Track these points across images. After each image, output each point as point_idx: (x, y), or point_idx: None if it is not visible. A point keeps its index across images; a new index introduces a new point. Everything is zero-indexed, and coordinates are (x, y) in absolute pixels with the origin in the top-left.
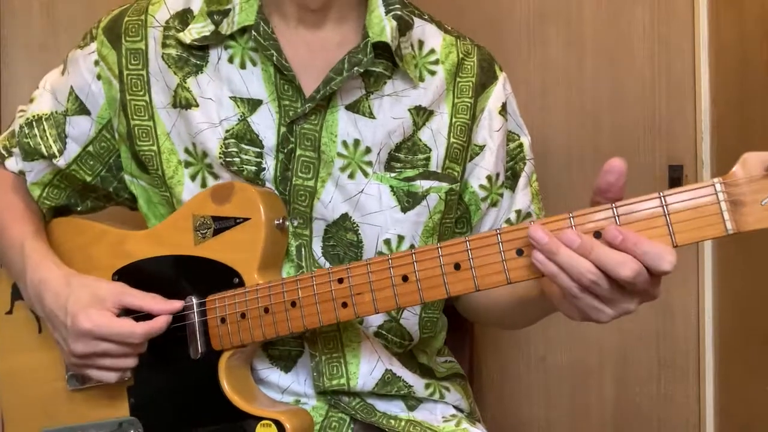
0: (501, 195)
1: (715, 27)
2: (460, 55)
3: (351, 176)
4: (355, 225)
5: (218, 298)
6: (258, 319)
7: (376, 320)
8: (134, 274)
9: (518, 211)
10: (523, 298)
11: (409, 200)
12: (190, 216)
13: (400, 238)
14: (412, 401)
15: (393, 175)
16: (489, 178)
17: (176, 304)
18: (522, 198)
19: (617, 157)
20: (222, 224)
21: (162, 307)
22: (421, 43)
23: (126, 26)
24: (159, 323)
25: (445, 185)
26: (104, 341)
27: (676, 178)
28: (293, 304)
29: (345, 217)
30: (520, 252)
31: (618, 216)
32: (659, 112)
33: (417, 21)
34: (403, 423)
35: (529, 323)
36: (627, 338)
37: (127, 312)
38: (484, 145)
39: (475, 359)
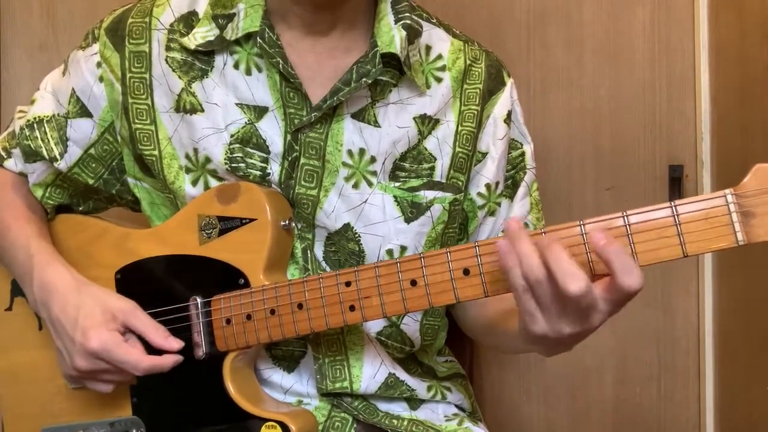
0: (499, 204)
1: (715, 27)
2: (468, 62)
3: (355, 186)
4: (357, 235)
5: (224, 299)
6: (264, 320)
7: (375, 326)
8: (137, 273)
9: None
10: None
11: (413, 211)
12: (195, 216)
13: (403, 249)
14: (414, 402)
15: (397, 184)
16: (488, 186)
17: (176, 344)
18: (519, 208)
19: None
20: (228, 224)
21: (162, 342)
22: (428, 48)
23: (130, 28)
24: (166, 362)
25: (449, 196)
26: (108, 363)
27: (676, 178)
28: (300, 306)
29: (347, 227)
30: None
31: (629, 225)
32: (659, 112)
33: (425, 25)
34: (405, 422)
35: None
36: (627, 338)
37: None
38: (486, 153)
39: (476, 359)
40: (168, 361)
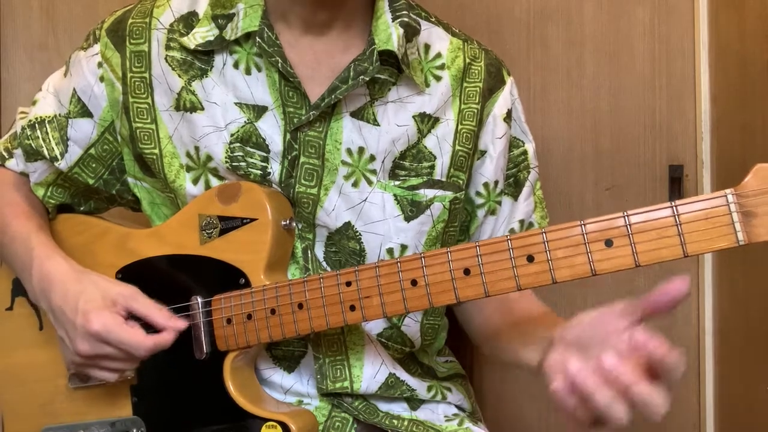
0: (499, 203)
1: (715, 27)
2: (467, 60)
3: (355, 184)
4: (357, 234)
5: (224, 298)
6: (264, 320)
7: (376, 327)
8: (138, 273)
9: (521, 221)
10: (520, 361)
11: (412, 209)
12: (195, 215)
13: (403, 247)
14: (414, 402)
15: (397, 183)
16: (486, 185)
17: (180, 323)
18: (524, 208)
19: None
20: (228, 224)
21: (166, 322)
22: (427, 47)
23: (130, 28)
24: (165, 338)
25: (449, 194)
26: (110, 346)
27: (676, 178)
28: (300, 306)
29: (348, 225)
30: (530, 258)
31: (630, 225)
32: (659, 112)
33: (424, 24)
34: (405, 423)
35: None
36: None
37: (133, 316)
38: (485, 151)
39: (476, 359)
40: (169, 336)
